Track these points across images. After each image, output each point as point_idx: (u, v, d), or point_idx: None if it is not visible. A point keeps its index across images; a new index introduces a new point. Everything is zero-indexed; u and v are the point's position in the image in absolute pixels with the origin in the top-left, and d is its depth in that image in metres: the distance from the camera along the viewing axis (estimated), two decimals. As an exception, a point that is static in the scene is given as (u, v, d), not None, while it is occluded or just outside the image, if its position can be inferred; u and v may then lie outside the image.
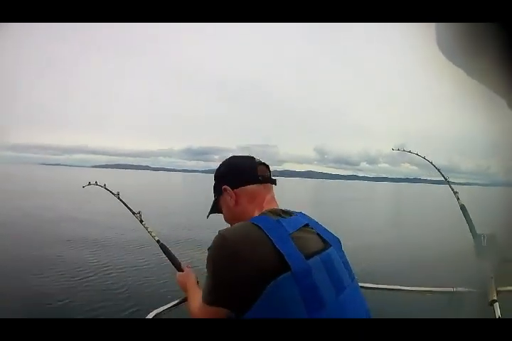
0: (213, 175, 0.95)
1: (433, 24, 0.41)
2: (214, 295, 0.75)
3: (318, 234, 0.82)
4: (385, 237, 9.55)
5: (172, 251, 1.40)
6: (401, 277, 5.25)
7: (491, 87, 0.41)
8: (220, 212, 0.96)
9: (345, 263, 0.82)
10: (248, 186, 0.88)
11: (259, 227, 0.73)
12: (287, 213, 0.84)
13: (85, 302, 4.33)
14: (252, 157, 0.94)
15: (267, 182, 0.90)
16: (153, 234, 1.47)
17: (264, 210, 0.84)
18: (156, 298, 4.31)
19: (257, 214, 0.83)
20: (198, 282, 1.11)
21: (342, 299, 0.73)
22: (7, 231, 8.39)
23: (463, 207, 1.70)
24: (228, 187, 0.88)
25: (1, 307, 3.80)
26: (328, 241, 0.82)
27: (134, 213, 1.55)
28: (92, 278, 5.34)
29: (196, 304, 0.87)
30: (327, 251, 0.78)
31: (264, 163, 0.92)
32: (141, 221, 1.52)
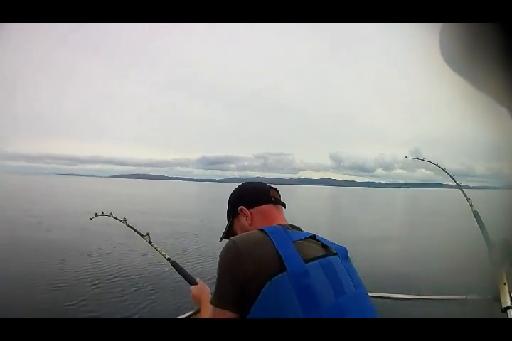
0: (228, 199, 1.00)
1: (439, 32, 0.42)
2: (220, 294, 0.77)
3: (322, 245, 0.84)
4: (398, 244, 9.32)
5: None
6: (414, 283, 5.12)
7: (497, 100, 0.42)
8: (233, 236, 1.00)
9: (351, 272, 0.82)
10: (262, 206, 0.94)
11: (265, 233, 0.78)
12: (296, 228, 0.89)
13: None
14: (264, 182, 1.02)
15: (278, 204, 0.96)
16: (163, 253, 1.48)
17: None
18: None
19: None
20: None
21: (341, 303, 0.73)
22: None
23: (476, 214, 1.67)
24: (244, 208, 0.95)
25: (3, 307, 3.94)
26: (332, 250, 0.83)
27: (142, 236, 1.57)
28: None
29: (208, 315, 0.85)
30: (329, 257, 0.80)
31: (274, 188, 0.99)
32: (150, 242, 1.54)
